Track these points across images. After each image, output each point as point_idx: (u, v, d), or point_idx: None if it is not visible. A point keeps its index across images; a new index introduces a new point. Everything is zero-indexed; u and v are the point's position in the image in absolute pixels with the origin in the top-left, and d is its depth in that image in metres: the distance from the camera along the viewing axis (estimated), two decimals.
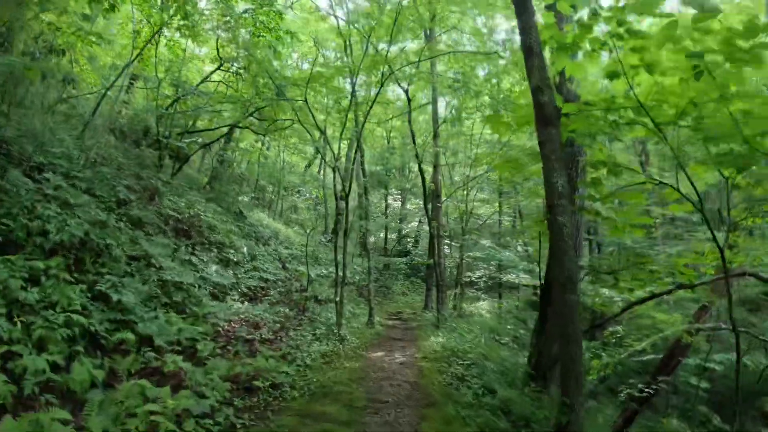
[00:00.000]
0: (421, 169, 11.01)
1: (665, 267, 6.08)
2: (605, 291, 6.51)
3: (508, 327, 12.86)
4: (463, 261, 12.20)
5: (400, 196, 25.53)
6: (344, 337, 7.81)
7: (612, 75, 3.62)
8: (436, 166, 12.04)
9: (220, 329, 6.67)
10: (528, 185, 8.10)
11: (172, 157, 14.32)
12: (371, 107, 8.53)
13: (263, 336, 7.00)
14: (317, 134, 8.77)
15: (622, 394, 8.55)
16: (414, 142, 10.89)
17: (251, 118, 16.01)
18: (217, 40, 13.20)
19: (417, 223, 24.11)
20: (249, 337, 6.76)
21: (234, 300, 8.45)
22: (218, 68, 15.58)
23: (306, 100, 7.98)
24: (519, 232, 15.09)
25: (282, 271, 12.43)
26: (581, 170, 6.75)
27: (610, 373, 8.59)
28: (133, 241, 7.02)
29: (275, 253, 14.66)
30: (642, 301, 6.10)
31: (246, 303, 8.82)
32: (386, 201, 23.15)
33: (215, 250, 10.41)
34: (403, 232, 24.52)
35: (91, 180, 8.06)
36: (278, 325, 7.81)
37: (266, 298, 9.49)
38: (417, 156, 10.92)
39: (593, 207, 5.75)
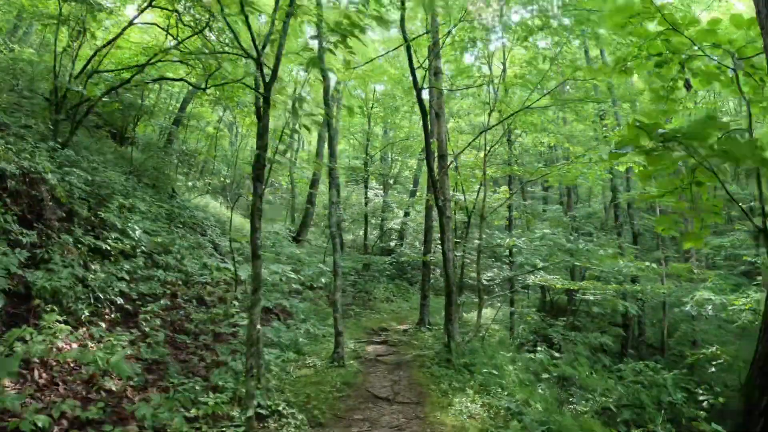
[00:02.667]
0: (421, 103, 6.94)
1: None
2: None
3: (556, 359, 8.69)
4: (480, 256, 8.24)
5: (381, 190, 21.60)
6: (268, 414, 3.66)
7: None
8: (438, 115, 8.03)
9: None
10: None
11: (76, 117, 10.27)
12: None
13: (81, 414, 2.90)
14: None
15: None
16: (410, 59, 6.78)
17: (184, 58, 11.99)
18: None
19: (403, 214, 20.25)
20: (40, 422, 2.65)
21: (69, 322, 4.32)
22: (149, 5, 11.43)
23: None
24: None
25: (211, 272, 8.27)
26: None
27: None
28: None
29: (212, 246, 10.50)
30: None
31: (102, 325, 4.71)
32: (366, 187, 19.14)
33: (81, 231, 6.26)
34: (387, 227, 20.58)
35: None
36: (138, 378, 3.70)
37: (147, 317, 5.36)
38: (414, 78, 6.82)
39: None
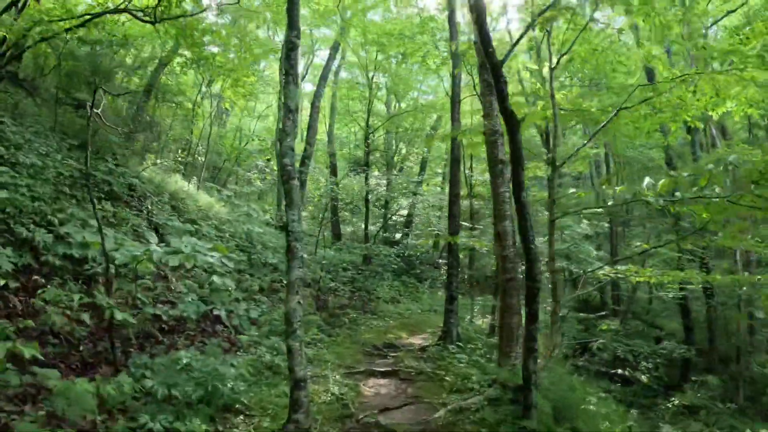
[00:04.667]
0: None
1: None
2: None
3: None
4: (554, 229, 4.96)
5: (385, 173, 18.61)
6: None
7: None
8: (480, 14, 4.91)
9: None
10: None
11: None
12: None
13: None
14: None
15: None
16: None
17: None
18: None
19: (411, 198, 17.32)
20: None
21: None
22: None
23: None
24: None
25: (113, 258, 5.14)
26: None
27: None
28: None
29: (147, 224, 7.41)
30: None
31: None
32: (367, 165, 16.06)
33: None
34: (391, 214, 17.58)
35: None
36: None
37: None
38: None
39: None
